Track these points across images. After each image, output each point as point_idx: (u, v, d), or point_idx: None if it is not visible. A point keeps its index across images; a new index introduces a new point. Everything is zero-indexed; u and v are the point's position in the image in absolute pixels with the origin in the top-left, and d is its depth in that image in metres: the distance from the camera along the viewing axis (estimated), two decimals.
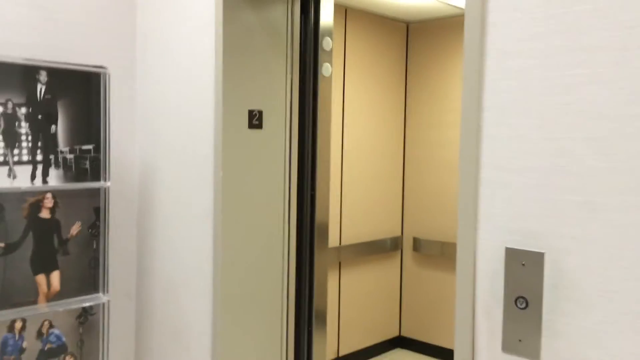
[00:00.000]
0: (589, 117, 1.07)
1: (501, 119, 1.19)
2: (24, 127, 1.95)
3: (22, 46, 2.16)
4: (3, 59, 1.90)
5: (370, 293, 4.54)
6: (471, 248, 1.23)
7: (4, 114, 1.90)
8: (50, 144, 2.01)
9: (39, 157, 1.99)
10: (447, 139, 4.44)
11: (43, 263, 2.00)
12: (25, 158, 1.96)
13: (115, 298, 2.40)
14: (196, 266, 2.15)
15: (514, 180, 1.17)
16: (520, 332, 1.15)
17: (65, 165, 2.05)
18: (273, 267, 2.21)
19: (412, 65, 4.68)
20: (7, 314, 1.92)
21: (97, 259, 2.12)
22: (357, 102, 4.32)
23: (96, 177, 2.11)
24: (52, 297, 2.02)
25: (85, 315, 2.10)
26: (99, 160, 2.11)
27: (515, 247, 1.17)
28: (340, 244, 4.24)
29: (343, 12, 4.15)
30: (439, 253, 4.50)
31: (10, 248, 1.92)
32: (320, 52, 2.30)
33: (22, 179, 1.95)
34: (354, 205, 4.34)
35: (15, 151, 1.93)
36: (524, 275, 1.15)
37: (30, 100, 1.96)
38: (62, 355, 2.05)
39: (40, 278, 2.00)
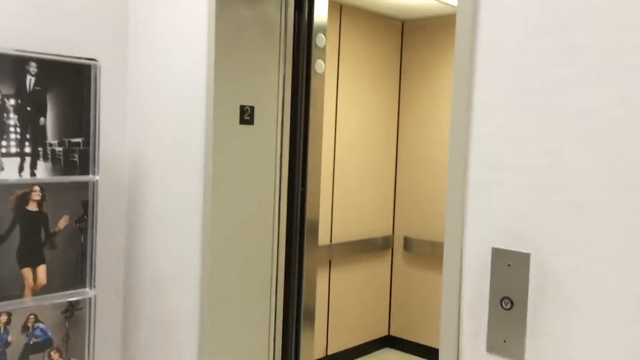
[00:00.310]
0: (579, 117, 1.06)
1: (491, 118, 1.18)
2: (12, 119, 1.93)
3: (12, 36, 2.14)
4: None
5: (360, 292, 4.54)
6: (458, 247, 1.23)
7: None
8: (39, 137, 1.99)
9: (28, 150, 1.97)
10: (440, 137, 4.45)
11: (29, 256, 1.98)
12: (13, 150, 1.94)
13: (102, 293, 2.38)
14: (185, 261, 2.14)
15: (503, 179, 1.17)
16: (505, 332, 1.15)
17: (54, 158, 2.03)
18: (262, 263, 2.21)
19: (406, 63, 4.68)
20: None
21: (84, 253, 2.11)
22: (351, 99, 4.31)
23: (85, 170, 2.10)
24: (38, 291, 2.01)
25: (72, 310, 2.09)
26: (88, 153, 2.10)
27: (502, 248, 1.16)
28: (331, 242, 4.24)
29: (338, 9, 4.14)
30: (430, 253, 4.51)
31: None
32: (313, 48, 2.29)
33: (10, 171, 1.93)
34: (346, 203, 4.34)
35: (3, 143, 1.92)
36: (510, 275, 1.14)
37: (20, 91, 1.94)
38: (48, 350, 2.04)
39: (27, 271, 1.98)
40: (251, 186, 2.15)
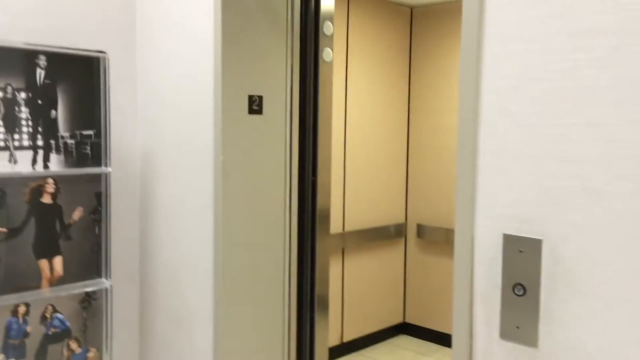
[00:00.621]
0: (589, 103, 1.05)
1: (499, 104, 1.17)
2: (24, 112, 1.95)
3: (22, 30, 2.15)
4: (3, 44, 1.89)
5: (374, 279, 4.54)
6: (469, 235, 1.23)
7: (4, 98, 1.90)
8: (50, 129, 2.01)
9: (40, 143, 1.99)
10: (451, 124, 4.42)
11: (45, 248, 2.01)
12: (25, 143, 1.96)
13: (118, 283, 2.41)
14: (197, 251, 2.16)
15: (513, 166, 1.16)
16: (517, 319, 1.15)
17: (66, 151, 2.05)
18: (274, 252, 2.22)
19: (416, 50, 4.64)
20: (11, 299, 1.94)
21: (99, 244, 2.13)
22: (360, 87, 4.29)
23: (97, 162, 2.11)
24: (55, 282, 2.04)
25: (89, 300, 2.12)
26: (100, 145, 2.11)
27: (513, 234, 1.16)
28: (343, 230, 4.24)
29: None
30: (443, 240, 4.50)
31: (13, 233, 1.93)
32: (321, 36, 2.28)
33: (23, 164, 1.95)
34: (358, 191, 4.34)
35: (16, 136, 1.94)
36: (522, 262, 1.14)
37: (30, 85, 1.95)
38: (66, 340, 2.07)
39: (43, 263, 2.01)
40: (262, 176, 2.15)
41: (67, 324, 2.07)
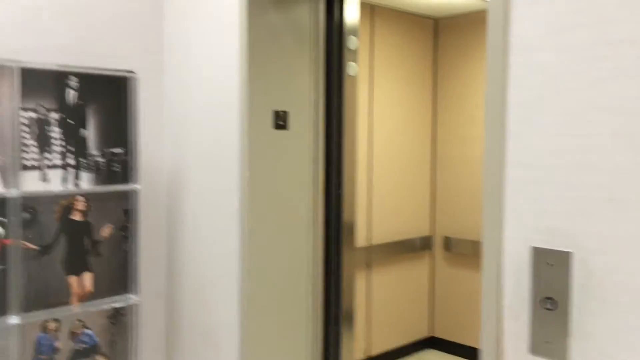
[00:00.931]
0: (616, 113, 1.04)
1: (526, 115, 1.16)
2: (55, 132, 2.00)
3: (52, 51, 2.21)
4: (36, 66, 1.95)
5: (400, 293, 4.51)
6: (497, 247, 1.21)
7: (37, 119, 1.95)
8: (81, 148, 2.05)
9: (71, 161, 2.03)
10: (477, 135, 4.38)
11: (75, 264, 2.04)
12: (57, 162, 2.00)
13: (145, 298, 2.44)
14: (224, 267, 2.17)
15: (540, 177, 1.14)
16: (547, 333, 1.13)
17: (97, 169, 2.09)
18: (300, 267, 2.22)
19: (441, 61, 4.63)
20: (41, 315, 1.97)
21: (127, 260, 2.16)
22: (386, 100, 4.29)
23: (126, 179, 2.15)
24: (84, 298, 2.06)
25: (117, 316, 2.14)
26: (128, 163, 2.15)
27: (542, 247, 1.14)
28: (370, 243, 4.23)
29: (370, 10, 4.13)
30: (471, 252, 4.44)
31: (44, 250, 1.97)
32: (345, 51, 2.29)
33: (55, 183, 2.00)
34: (384, 204, 4.32)
35: (48, 155, 1.98)
36: (551, 275, 1.12)
37: (61, 105, 2.00)
38: (94, 355, 2.09)
39: (73, 279, 2.04)
40: (287, 190, 2.16)
41: (96, 339, 2.10)
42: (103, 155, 2.10)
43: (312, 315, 2.26)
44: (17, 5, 2.15)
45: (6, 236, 1.89)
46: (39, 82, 1.95)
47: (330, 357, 2.33)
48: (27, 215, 1.93)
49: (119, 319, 2.14)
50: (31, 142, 1.94)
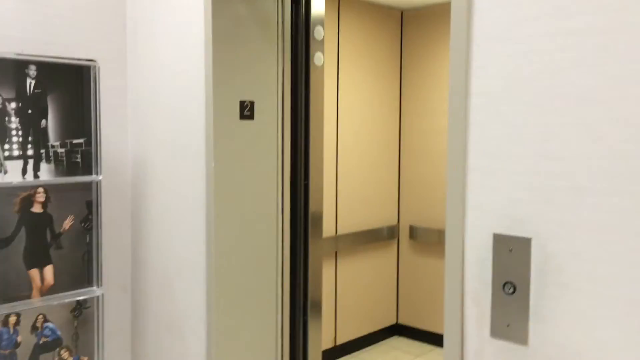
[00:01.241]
0: (576, 102, 1.06)
1: (488, 105, 1.18)
2: (14, 122, 1.94)
3: (11, 40, 2.15)
4: None
5: (367, 282, 4.55)
6: (459, 234, 1.24)
7: None
8: (40, 139, 2.00)
9: (30, 152, 1.98)
10: (442, 126, 4.44)
11: (36, 257, 2.00)
12: (15, 153, 1.95)
13: (109, 291, 2.40)
14: (190, 257, 2.16)
15: (502, 166, 1.17)
16: (508, 317, 1.16)
17: (57, 160, 2.04)
18: (267, 257, 2.22)
19: (406, 52, 4.66)
20: (1, 309, 1.92)
21: (90, 253, 2.13)
22: (352, 91, 4.30)
23: (88, 170, 2.11)
24: (46, 292, 2.03)
25: (80, 309, 2.11)
26: (90, 153, 2.11)
27: (503, 233, 1.17)
28: (336, 233, 4.25)
29: (336, 0, 4.13)
30: (436, 241, 4.51)
31: (3, 243, 1.92)
32: (312, 41, 2.29)
33: (14, 174, 1.95)
34: (350, 194, 4.34)
35: (6, 146, 1.93)
36: (512, 260, 1.15)
37: (20, 94, 1.95)
38: (57, 349, 2.06)
39: (34, 272, 2.00)
40: (254, 181, 2.15)
41: (58, 333, 2.06)
42: (64, 146, 2.05)
43: (279, 305, 2.26)
44: None
45: None
46: None
47: (297, 346, 2.34)
48: None
49: (82, 312, 2.11)
50: None
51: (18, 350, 1.96)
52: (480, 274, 1.21)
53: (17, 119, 1.95)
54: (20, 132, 1.96)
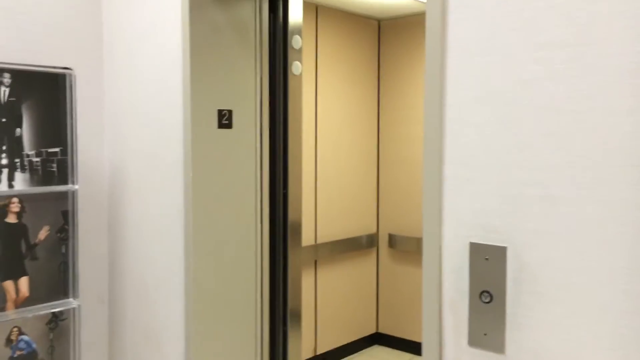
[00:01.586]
0: (547, 113, 1.08)
1: (463, 115, 1.20)
2: None
3: None
4: None
5: (347, 290, 4.55)
6: (436, 243, 1.25)
7: None
8: (15, 148, 1.98)
9: (4, 161, 1.95)
10: (420, 134, 4.47)
11: (10, 269, 1.96)
12: None
13: (86, 302, 2.37)
14: (168, 268, 2.14)
15: (477, 175, 1.18)
16: (485, 325, 1.17)
17: (32, 169, 2.01)
18: (246, 266, 2.21)
19: (384, 62, 4.70)
20: None
21: (66, 263, 2.09)
22: (330, 99, 4.32)
23: (64, 180, 2.08)
24: (20, 303, 1.99)
25: (56, 321, 2.07)
26: (66, 163, 2.08)
27: (479, 242, 1.18)
28: (316, 242, 4.25)
29: (314, 10, 4.15)
30: (415, 249, 4.54)
31: None
32: (289, 50, 2.30)
33: None
34: (329, 203, 4.35)
35: None
36: (488, 269, 1.16)
37: None
38: None
39: (8, 284, 1.96)
40: (232, 190, 2.15)
41: (34, 346, 2.03)
42: (39, 155, 2.03)
43: (258, 314, 2.25)
44: None
45: None
46: None
47: (277, 356, 2.33)
48: None
49: (58, 324, 2.07)
50: None
51: None
52: (457, 283, 1.22)
53: None
54: None
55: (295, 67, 2.31)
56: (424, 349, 1.27)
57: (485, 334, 1.17)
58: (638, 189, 0.99)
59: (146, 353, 2.28)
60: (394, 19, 4.61)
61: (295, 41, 2.31)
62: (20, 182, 1.99)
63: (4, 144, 1.95)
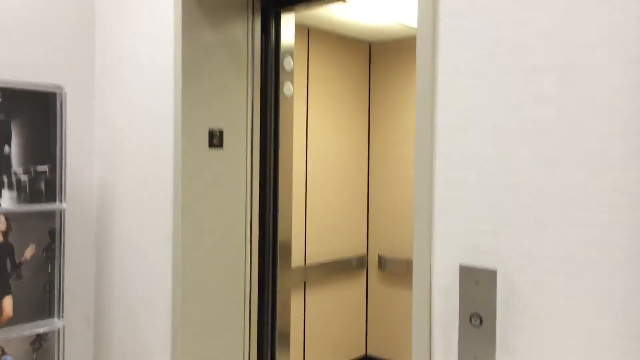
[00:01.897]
0: (537, 136, 1.09)
1: (453, 138, 1.21)
2: None
3: None
4: None
5: (336, 312, 4.52)
6: (426, 266, 1.24)
7: None
8: (3, 165, 1.96)
9: None
10: (410, 156, 4.49)
11: None
12: None
13: (71, 323, 2.33)
14: (156, 288, 2.11)
15: (467, 197, 1.19)
16: (475, 349, 1.16)
17: (19, 187, 1.99)
18: (235, 287, 2.19)
19: (374, 84, 4.74)
20: None
21: (52, 283, 2.06)
22: (321, 121, 4.34)
23: (51, 198, 2.06)
24: (4, 323, 1.95)
25: (40, 341, 2.04)
26: (55, 181, 2.07)
27: (469, 265, 1.18)
28: (305, 263, 4.22)
29: (306, 32, 4.19)
30: (405, 271, 4.52)
31: None
32: (281, 71, 2.31)
33: None
34: (319, 224, 4.34)
35: None
36: (478, 292, 1.16)
37: None
38: None
39: None
40: (222, 210, 2.14)
41: None
42: (27, 172, 2.01)
43: (246, 336, 2.23)
44: None
45: None
46: None
47: None
48: None
49: (42, 345, 2.04)
50: None
51: None
52: (447, 306, 1.21)
53: None
54: None
55: (287, 88, 2.33)
56: None
57: (475, 357, 1.16)
58: (628, 213, 1.00)
59: None
60: (384, 43, 4.66)
61: (287, 63, 2.32)
62: (7, 200, 1.96)
63: None
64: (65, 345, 2.11)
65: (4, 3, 2.19)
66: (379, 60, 4.71)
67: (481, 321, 1.15)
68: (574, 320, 1.05)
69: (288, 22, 2.32)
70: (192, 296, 2.04)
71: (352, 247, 4.63)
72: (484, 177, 1.16)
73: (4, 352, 1.96)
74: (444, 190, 1.22)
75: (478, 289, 1.16)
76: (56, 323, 2.07)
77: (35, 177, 2.03)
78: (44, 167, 2.05)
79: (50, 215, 2.06)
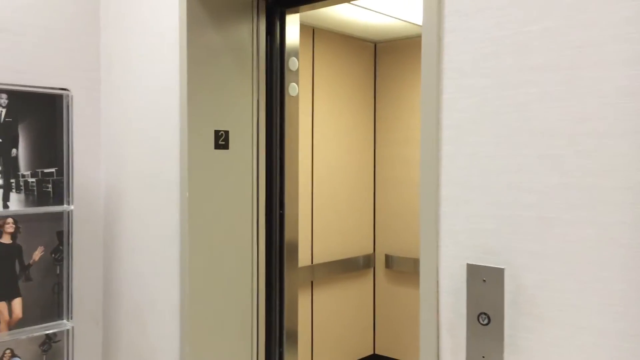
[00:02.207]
0: (542, 135, 1.09)
1: (459, 137, 1.20)
2: None
3: None
4: None
5: (343, 312, 4.52)
6: (433, 265, 1.24)
7: None
8: (11, 168, 1.97)
9: (0, 182, 1.95)
10: (416, 155, 4.49)
11: (4, 290, 1.94)
12: None
13: (80, 324, 2.34)
14: (164, 289, 2.12)
15: (473, 197, 1.18)
16: (483, 348, 1.16)
17: (27, 189, 2.00)
18: (242, 288, 2.19)
19: (380, 83, 4.73)
20: None
21: (60, 285, 2.08)
22: (327, 121, 4.34)
23: (59, 200, 2.07)
24: (14, 325, 1.97)
25: (49, 343, 2.05)
26: (62, 183, 2.08)
27: (476, 264, 1.18)
28: (312, 263, 4.23)
29: (311, 32, 4.19)
30: (412, 270, 4.52)
31: None
32: (286, 72, 2.31)
33: None
34: (326, 224, 4.34)
35: None
36: (486, 291, 1.16)
37: None
38: None
39: (1, 305, 1.94)
40: (228, 211, 2.14)
41: None
42: (34, 175, 2.02)
43: (254, 336, 2.23)
44: None
45: None
46: None
47: None
48: None
49: (51, 346, 2.05)
50: None
51: None
52: (455, 305, 1.21)
53: None
54: None
55: (292, 88, 2.33)
56: None
57: (483, 357, 1.16)
58: (633, 210, 1.00)
59: None
60: (390, 42, 4.66)
61: (292, 63, 2.32)
62: (15, 202, 1.98)
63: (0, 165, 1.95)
64: (74, 346, 2.12)
65: (9, 6, 2.20)
66: (384, 59, 4.71)
67: (489, 320, 1.15)
68: (582, 319, 1.04)
69: (293, 22, 2.32)
70: (199, 296, 2.04)
71: (359, 246, 4.63)
72: (490, 176, 1.16)
73: (13, 354, 1.97)
74: (449, 189, 1.22)
75: (485, 288, 1.16)
76: (65, 324, 2.08)
77: (42, 179, 2.04)
78: (51, 169, 2.06)
79: (58, 217, 2.07)
